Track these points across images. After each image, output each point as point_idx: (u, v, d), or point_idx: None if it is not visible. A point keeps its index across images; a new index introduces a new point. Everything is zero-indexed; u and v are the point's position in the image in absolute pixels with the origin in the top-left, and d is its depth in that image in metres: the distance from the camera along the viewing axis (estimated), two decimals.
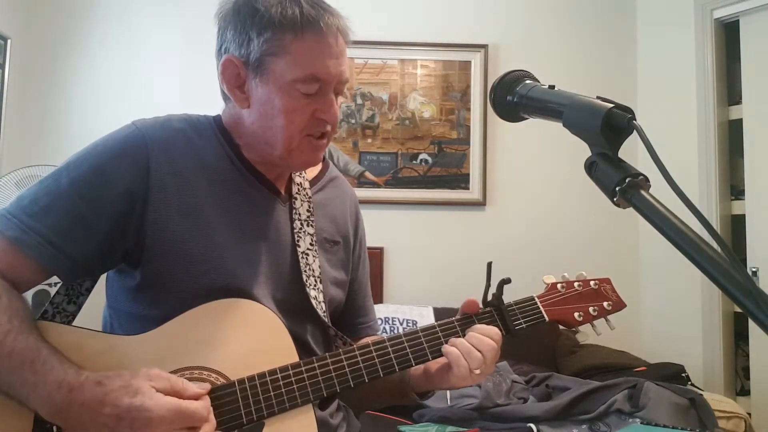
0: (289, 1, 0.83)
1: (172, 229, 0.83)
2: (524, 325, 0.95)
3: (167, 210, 0.83)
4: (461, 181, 3.02)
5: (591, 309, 0.98)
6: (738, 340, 2.74)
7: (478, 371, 0.85)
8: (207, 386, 0.76)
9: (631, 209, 0.55)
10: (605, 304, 1.00)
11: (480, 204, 3.02)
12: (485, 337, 0.88)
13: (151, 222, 0.83)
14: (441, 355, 0.90)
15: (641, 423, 1.79)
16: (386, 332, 2.61)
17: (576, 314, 0.98)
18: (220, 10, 0.89)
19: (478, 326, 0.91)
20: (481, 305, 0.95)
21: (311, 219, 0.97)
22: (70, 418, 0.70)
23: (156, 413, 0.69)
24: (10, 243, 0.78)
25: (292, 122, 0.85)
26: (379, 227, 2.84)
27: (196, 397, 0.73)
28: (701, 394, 2.02)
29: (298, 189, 0.98)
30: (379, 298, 2.90)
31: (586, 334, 0.98)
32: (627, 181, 0.55)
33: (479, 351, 0.86)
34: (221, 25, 0.89)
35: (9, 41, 2.79)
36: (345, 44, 0.88)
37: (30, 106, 2.91)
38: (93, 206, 0.80)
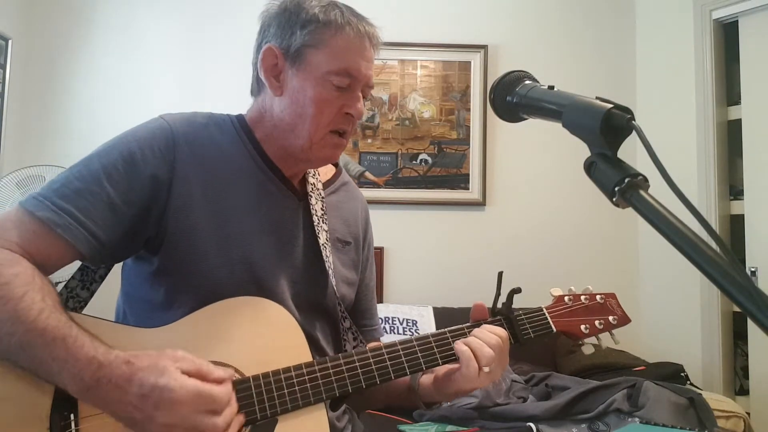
0: (333, 5, 0.91)
1: (193, 219, 0.86)
2: (532, 335, 0.97)
3: (190, 201, 0.86)
4: (461, 181, 3.02)
5: (597, 322, 1.01)
6: (737, 339, 2.75)
7: (487, 369, 0.87)
8: (231, 371, 0.77)
9: (630, 209, 0.56)
10: (610, 318, 1.02)
11: (480, 204, 3.02)
12: (491, 333, 0.90)
13: (174, 211, 0.85)
14: (450, 361, 0.91)
15: (640, 422, 1.80)
16: (386, 332, 2.62)
17: (582, 327, 1.00)
18: (265, 9, 0.95)
19: (485, 325, 0.93)
20: (490, 314, 0.97)
21: (325, 217, 1.00)
22: (99, 395, 0.71)
23: (179, 394, 0.70)
24: (41, 224, 0.79)
25: (322, 112, 0.89)
26: (379, 227, 2.82)
27: (220, 381, 0.75)
28: (700, 394, 2.02)
29: (312, 188, 1.00)
30: (379, 298, 2.90)
31: (590, 347, 1.01)
32: (626, 181, 0.55)
33: (488, 346, 0.88)
34: (265, 22, 0.95)
35: (10, 42, 2.79)
36: (374, 54, 0.94)
37: (31, 106, 2.92)
38: (121, 192, 0.83)
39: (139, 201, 0.84)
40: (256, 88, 0.97)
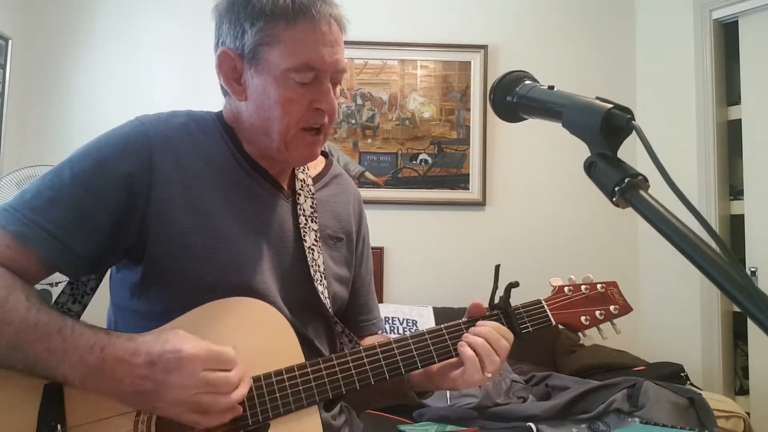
0: None
1: (176, 224, 0.83)
2: (531, 329, 0.94)
3: (171, 205, 0.83)
4: (461, 181, 3.02)
5: (598, 313, 0.98)
6: (737, 339, 2.74)
7: (490, 374, 0.85)
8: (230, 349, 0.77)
9: (630, 209, 0.56)
10: (612, 307, 0.99)
11: (480, 204, 3.02)
12: (502, 338, 0.87)
13: (154, 217, 0.82)
14: (447, 358, 0.89)
15: (640, 422, 1.80)
16: (386, 332, 2.62)
17: (583, 318, 0.97)
18: (216, 5, 0.90)
19: (494, 324, 0.90)
20: (487, 308, 0.95)
21: (315, 215, 0.96)
22: (104, 376, 0.71)
23: (188, 352, 0.70)
24: (13, 237, 0.76)
25: (288, 113, 0.84)
26: (379, 227, 2.84)
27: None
28: (700, 394, 2.02)
29: (302, 185, 0.97)
30: (379, 298, 2.87)
31: (591, 338, 0.99)
32: (626, 181, 0.55)
33: (497, 353, 0.85)
34: (217, 20, 0.89)
35: (10, 42, 2.79)
36: (340, 33, 0.87)
37: (31, 106, 2.91)
38: (96, 199, 0.79)
39: (116, 207, 0.80)
40: (224, 91, 0.93)
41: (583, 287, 1.00)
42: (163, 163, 0.83)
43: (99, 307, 0.96)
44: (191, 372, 0.70)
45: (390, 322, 2.67)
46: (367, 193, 2.88)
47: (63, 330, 0.71)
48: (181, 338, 0.73)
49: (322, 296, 0.93)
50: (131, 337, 0.73)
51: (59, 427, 0.72)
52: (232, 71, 0.88)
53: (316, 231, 0.96)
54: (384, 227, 2.93)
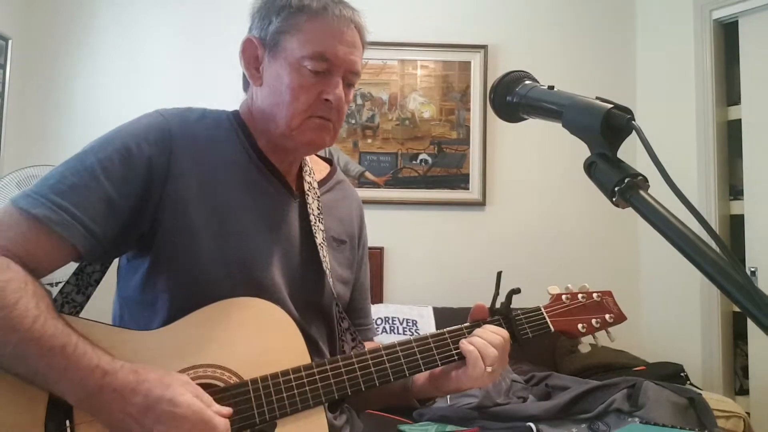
0: None
1: (189, 216, 0.85)
2: (530, 335, 0.97)
3: (186, 196, 0.85)
4: (461, 181, 3.02)
5: (594, 321, 1.01)
6: (737, 339, 2.75)
7: (490, 369, 0.87)
8: (229, 410, 0.76)
9: (630, 209, 0.56)
10: (607, 316, 1.02)
11: (480, 204, 3.02)
12: (494, 333, 0.91)
13: (169, 206, 0.84)
14: (450, 361, 0.91)
15: (640, 422, 1.79)
16: (386, 332, 2.62)
17: (579, 326, 1.00)
18: (252, 5, 0.95)
19: (488, 325, 0.93)
20: (489, 314, 0.97)
21: (321, 217, 0.99)
22: (100, 404, 0.71)
23: (182, 411, 0.70)
24: (37, 221, 0.76)
25: (297, 99, 0.88)
26: (379, 227, 2.84)
27: (221, 414, 0.74)
28: (700, 394, 2.02)
29: (309, 187, 0.99)
30: (379, 298, 2.90)
31: (586, 344, 1.02)
32: (626, 181, 0.55)
33: (492, 346, 0.89)
34: (251, 17, 0.95)
35: (10, 41, 2.79)
36: (359, 39, 0.94)
37: (31, 106, 2.92)
38: (118, 185, 0.81)
39: (135, 192, 0.82)
40: (245, 83, 0.97)
41: (579, 296, 1.03)
42: (182, 155, 0.86)
43: (104, 299, 0.97)
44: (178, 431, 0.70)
45: (390, 322, 2.66)
46: (367, 193, 2.88)
47: (66, 347, 0.71)
48: (182, 388, 0.72)
49: (333, 291, 0.95)
50: (136, 371, 0.72)
51: (67, 422, 0.73)
52: (254, 59, 0.92)
53: (323, 231, 0.98)
54: (384, 227, 2.93)
